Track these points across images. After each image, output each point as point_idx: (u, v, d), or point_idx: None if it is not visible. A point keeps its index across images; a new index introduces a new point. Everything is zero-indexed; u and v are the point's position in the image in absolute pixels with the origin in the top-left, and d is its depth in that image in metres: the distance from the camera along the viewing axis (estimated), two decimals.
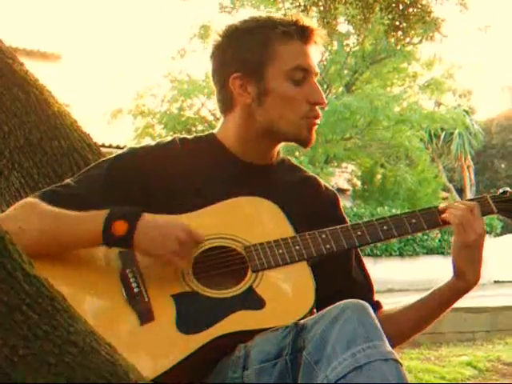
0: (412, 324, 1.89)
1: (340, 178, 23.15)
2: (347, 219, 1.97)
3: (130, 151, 1.93)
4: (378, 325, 1.47)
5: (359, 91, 20.91)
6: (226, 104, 1.92)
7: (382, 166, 22.40)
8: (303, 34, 1.88)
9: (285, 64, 1.85)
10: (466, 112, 27.44)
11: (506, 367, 7.22)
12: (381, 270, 16.30)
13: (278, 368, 1.51)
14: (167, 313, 1.67)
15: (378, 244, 17.11)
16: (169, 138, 1.97)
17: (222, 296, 1.70)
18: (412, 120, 20.45)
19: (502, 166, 33.73)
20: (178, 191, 1.84)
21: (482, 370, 7.14)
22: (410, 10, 5.94)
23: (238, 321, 1.65)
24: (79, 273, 1.75)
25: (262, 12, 18.75)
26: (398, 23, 5.97)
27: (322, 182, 2.03)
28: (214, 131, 1.98)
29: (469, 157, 29.75)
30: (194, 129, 20.96)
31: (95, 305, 1.71)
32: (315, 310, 1.70)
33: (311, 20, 1.95)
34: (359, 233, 1.81)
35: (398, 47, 16.47)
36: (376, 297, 1.99)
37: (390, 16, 5.89)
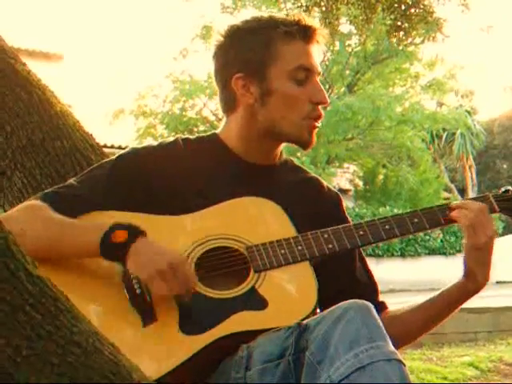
0: (420, 324, 1.89)
1: (342, 178, 23.14)
2: (350, 220, 1.97)
3: (133, 151, 1.93)
4: (381, 325, 1.47)
5: (361, 91, 20.92)
6: (229, 104, 1.92)
7: (384, 166, 22.41)
8: (305, 33, 1.87)
9: (287, 64, 1.85)
10: (468, 112, 27.44)
11: (508, 368, 7.22)
12: (382, 271, 16.28)
13: (280, 368, 1.51)
14: (170, 314, 1.67)
15: (380, 244, 17.12)
16: (171, 139, 1.97)
17: (225, 296, 1.70)
18: (414, 120, 20.45)
19: (504, 166, 33.71)
20: (180, 191, 1.83)
21: (484, 370, 7.14)
22: (412, 10, 5.94)
23: (241, 321, 1.65)
24: (82, 275, 1.76)
25: (264, 12, 18.73)
26: (400, 23, 5.97)
27: (325, 183, 2.03)
28: (217, 131, 1.98)
29: (471, 157, 29.72)
30: (195, 129, 20.97)
31: (98, 307, 1.70)
32: (318, 310, 1.70)
33: (313, 20, 1.94)
34: (361, 232, 1.81)
35: (400, 47, 16.48)
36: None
37: (392, 16, 5.89)
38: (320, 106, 1.88)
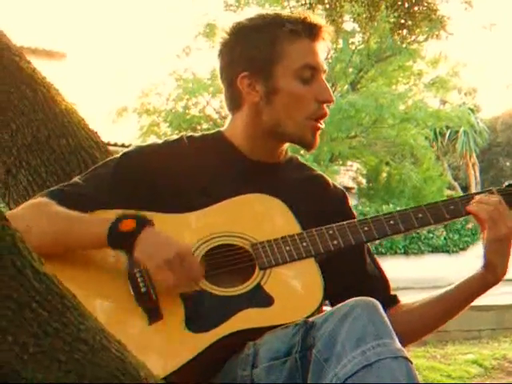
0: (437, 317, 1.89)
1: (345, 176, 23.13)
2: (356, 216, 1.96)
3: (137, 149, 1.93)
4: (388, 322, 1.47)
5: (364, 89, 20.91)
6: (234, 102, 1.92)
7: (387, 164, 22.39)
8: (311, 31, 1.87)
9: (293, 63, 1.85)
10: (471, 110, 27.42)
11: None
12: (385, 268, 16.07)
13: (287, 366, 1.51)
14: (176, 312, 1.67)
15: (384, 241, 17.11)
16: (176, 136, 1.97)
17: (230, 294, 1.70)
18: (417, 118, 20.45)
19: (507, 163, 33.65)
20: (185, 189, 1.83)
21: (487, 368, 7.14)
22: (416, 8, 5.92)
23: (247, 318, 1.65)
24: (87, 273, 1.76)
25: (268, 10, 18.73)
26: (403, 21, 5.96)
27: (330, 180, 2.03)
28: (222, 129, 1.98)
29: (474, 155, 29.69)
30: (199, 127, 20.96)
31: (104, 305, 1.71)
32: (330, 305, 1.70)
33: (319, 17, 1.94)
34: (366, 228, 1.81)
35: (404, 45, 16.45)
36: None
37: (395, 14, 5.88)
38: (325, 105, 1.88)
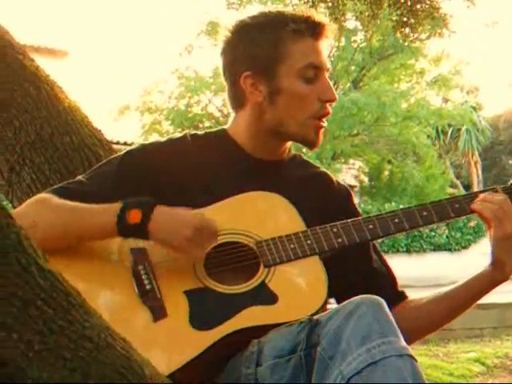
0: (444, 314, 1.89)
1: (347, 174, 23.12)
2: (361, 213, 1.96)
3: (141, 147, 1.93)
4: (393, 320, 1.46)
5: (366, 87, 20.90)
6: (237, 101, 1.91)
7: (390, 162, 22.40)
8: (314, 30, 1.86)
9: (296, 62, 1.84)
10: (474, 108, 27.43)
11: None
12: None
13: (292, 363, 1.50)
14: (180, 309, 1.67)
15: (386, 240, 17.10)
16: (179, 134, 1.97)
17: (235, 292, 1.70)
18: (419, 116, 20.44)
19: (510, 162, 33.65)
20: (188, 187, 1.83)
21: (490, 366, 7.15)
22: (418, 6, 5.93)
23: (251, 316, 1.65)
24: (92, 270, 1.76)
25: (270, 8, 18.71)
26: (406, 19, 5.96)
27: (334, 177, 2.03)
28: (226, 127, 1.97)
29: (476, 153, 29.70)
30: (201, 125, 20.96)
31: (108, 302, 1.70)
32: (337, 303, 1.70)
33: (322, 15, 1.93)
34: (370, 226, 1.81)
35: (406, 43, 16.42)
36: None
37: (398, 12, 5.88)
38: (328, 103, 1.88)
